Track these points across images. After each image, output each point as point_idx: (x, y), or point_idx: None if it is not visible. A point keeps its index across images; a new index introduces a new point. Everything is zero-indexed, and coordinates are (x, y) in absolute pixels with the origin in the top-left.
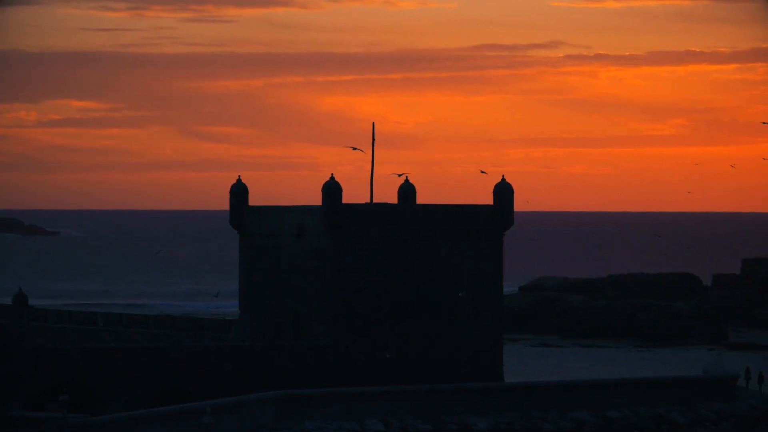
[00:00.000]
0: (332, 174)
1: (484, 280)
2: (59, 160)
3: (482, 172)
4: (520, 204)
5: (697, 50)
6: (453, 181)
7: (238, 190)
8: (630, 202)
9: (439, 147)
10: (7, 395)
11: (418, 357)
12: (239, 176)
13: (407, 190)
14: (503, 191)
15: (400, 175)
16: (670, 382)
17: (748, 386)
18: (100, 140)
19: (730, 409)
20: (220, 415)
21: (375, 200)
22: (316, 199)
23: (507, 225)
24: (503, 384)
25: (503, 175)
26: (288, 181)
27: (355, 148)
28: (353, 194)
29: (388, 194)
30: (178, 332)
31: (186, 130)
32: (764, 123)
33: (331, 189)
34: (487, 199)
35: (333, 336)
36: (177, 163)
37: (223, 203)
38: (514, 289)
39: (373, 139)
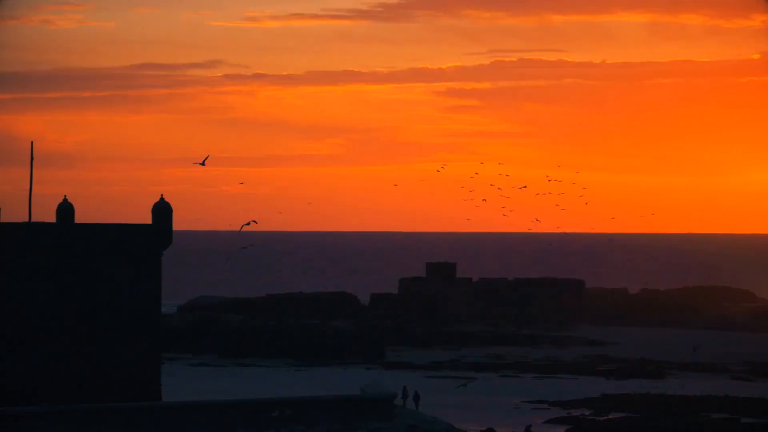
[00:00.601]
0: None
1: (142, 299)
2: None
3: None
4: (179, 223)
5: (356, 70)
6: (112, 200)
7: None
8: (291, 221)
9: (98, 166)
10: None
11: (76, 378)
12: None
13: (66, 209)
14: (162, 210)
15: None
16: (327, 401)
17: (405, 405)
18: None
19: (388, 428)
20: None
21: (33, 219)
22: None
23: (165, 244)
24: (161, 403)
25: (162, 195)
26: None
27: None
28: (11, 214)
29: (47, 214)
30: None
31: None
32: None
33: None
34: (147, 218)
35: None
36: None
37: None
38: (174, 309)
39: (32, 159)
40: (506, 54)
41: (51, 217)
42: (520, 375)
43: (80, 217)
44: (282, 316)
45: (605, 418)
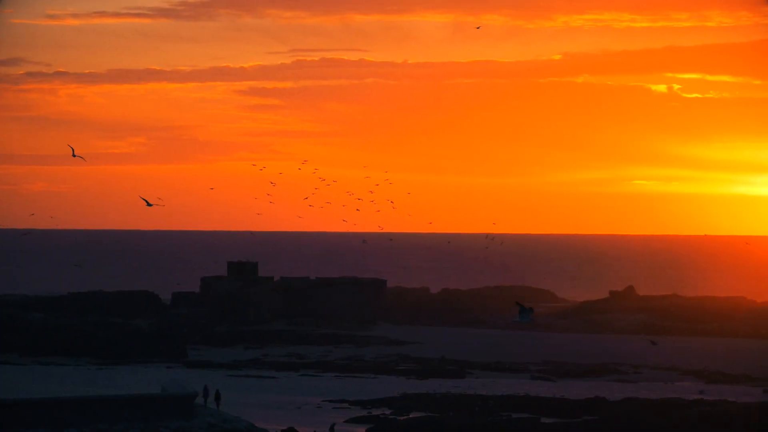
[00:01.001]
0: None
1: None
2: None
3: None
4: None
5: (158, 68)
6: None
7: None
8: (95, 220)
9: None
10: None
11: None
12: None
13: None
14: None
15: None
16: (128, 399)
17: (206, 404)
18: None
19: (189, 427)
20: None
21: None
22: None
23: None
24: None
25: None
26: None
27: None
28: None
29: None
30: None
31: None
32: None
33: None
34: None
35: None
36: None
37: None
38: None
39: None
40: (308, 53)
41: None
42: (320, 374)
43: None
44: (84, 315)
45: (405, 417)
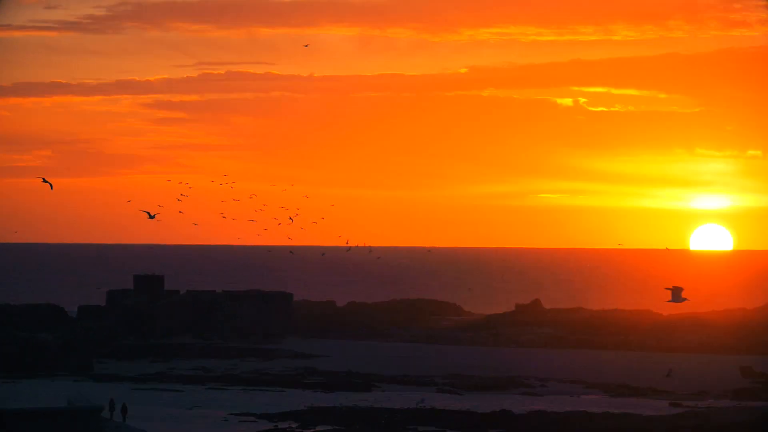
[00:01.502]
0: None
1: None
2: None
3: None
4: None
5: (63, 82)
6: None
7: None
8: None
9: None
10: None
11: None
12: None
13: None
14: None
15: None
16: (34, 413)
17: (112, 417)
18: None
19: None
20: None
21: None
22: None
23: None
24: None
25: None
26: None
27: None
28: None
29: None
30: None
31: None
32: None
33: None
34: None
35: None
36: None
37: None
38: None
39: None
40: (214, 66)
41: None
42: (227, 387)
43: None
44: None
45: (312, 430)
